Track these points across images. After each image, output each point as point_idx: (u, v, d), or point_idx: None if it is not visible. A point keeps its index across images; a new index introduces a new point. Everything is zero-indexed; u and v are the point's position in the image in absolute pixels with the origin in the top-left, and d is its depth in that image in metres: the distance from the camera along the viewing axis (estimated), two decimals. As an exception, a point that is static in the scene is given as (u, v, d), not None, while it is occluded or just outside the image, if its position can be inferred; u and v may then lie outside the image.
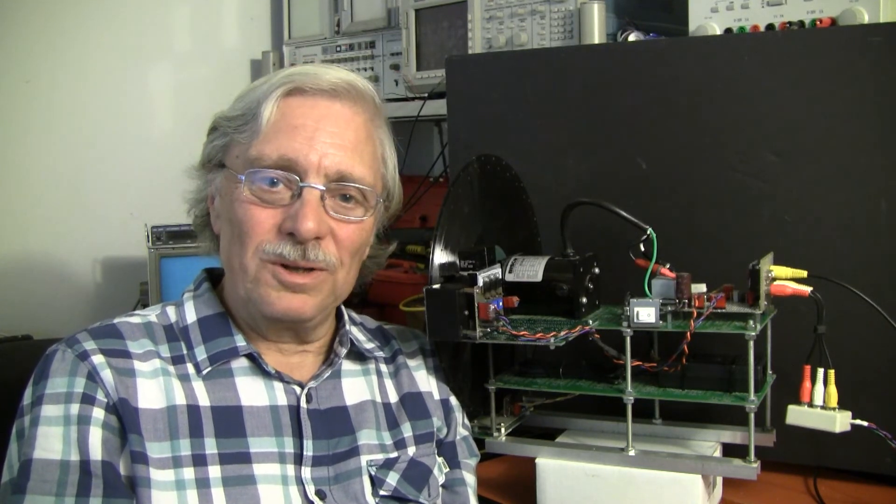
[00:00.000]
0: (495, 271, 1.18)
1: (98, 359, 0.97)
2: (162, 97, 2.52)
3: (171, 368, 1.01)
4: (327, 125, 1.03)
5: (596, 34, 1.65)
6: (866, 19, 1.32)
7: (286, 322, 1.04)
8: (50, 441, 0.93)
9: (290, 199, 1.01)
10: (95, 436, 0.94)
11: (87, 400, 0.95)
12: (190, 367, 1.02)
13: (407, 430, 1.13)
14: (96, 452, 0.93)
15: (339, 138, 1.03)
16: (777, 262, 1.17)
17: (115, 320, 1.04)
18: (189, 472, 0.96)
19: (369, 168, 1.06)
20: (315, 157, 1.01)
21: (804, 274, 1.15)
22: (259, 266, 1.00)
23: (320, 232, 1.00)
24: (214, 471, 0.97)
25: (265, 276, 1.01)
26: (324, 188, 1.02)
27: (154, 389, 0.98)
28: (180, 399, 0.99)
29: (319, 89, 1.04)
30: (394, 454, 1.10)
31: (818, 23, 1.36)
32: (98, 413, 0.95)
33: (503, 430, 1.25)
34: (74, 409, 0.94)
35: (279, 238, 1.00)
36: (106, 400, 0.95)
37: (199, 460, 0.97)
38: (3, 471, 0.96)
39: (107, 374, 0.96)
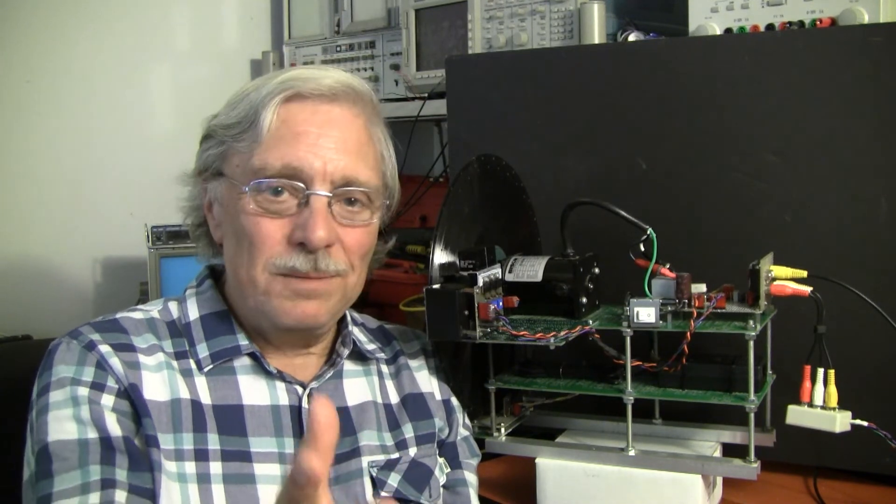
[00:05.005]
0: (495, 271, 1.18)
1: (105, 348, 0.97)
2: (162, 97, 2.51)
3: (175, 363, 1.01)
4: (330, 130, 1.02)
5: (596, 34, 1.65)
6: (866, 19, 1.32)
7: (299, 330, 1.03)
8: (63, 424, 0.93)
9: (297, 207, 1.00)
10: (111, 417, 0.94)
11: (97, 388, 0.95)
12: (192, 363, 1.02)
13: (408, 431, 1.13)
14: (115, 430, 0.93)
15: (342, 143, 1.02)
16: (777, 262, 1.17)
17: (117, 315, 1.04)
18: (191, 467, 0.96)
19: (373, 170, 1.06)
20: (320, 164, 1.00)
21: (804, 274, 1.15)
22: (269, 279, 1.00)
23: (330, 240, 1.00)
24: (216, 467, 0.97)
25: (276, 288, 1.00)
26: (330, 195, 1.01)
27: (159, 382, 0.98)
28: (184, 393, 0.99)
29: (319, 94, 1.03)
30: (395, 455, 1.10)
31: (818, 23, 1.36)
32: (108, 400, 0.94)
33: (503, 430, 1.24)
34: (83, 391, 0.94)
35: (289, 250, 1.00)
36: (117, 386, 0.95)
37: (202, 455, 0.97)
38: (23, 471, 0.95)
39: (115, 362, 0.96)
